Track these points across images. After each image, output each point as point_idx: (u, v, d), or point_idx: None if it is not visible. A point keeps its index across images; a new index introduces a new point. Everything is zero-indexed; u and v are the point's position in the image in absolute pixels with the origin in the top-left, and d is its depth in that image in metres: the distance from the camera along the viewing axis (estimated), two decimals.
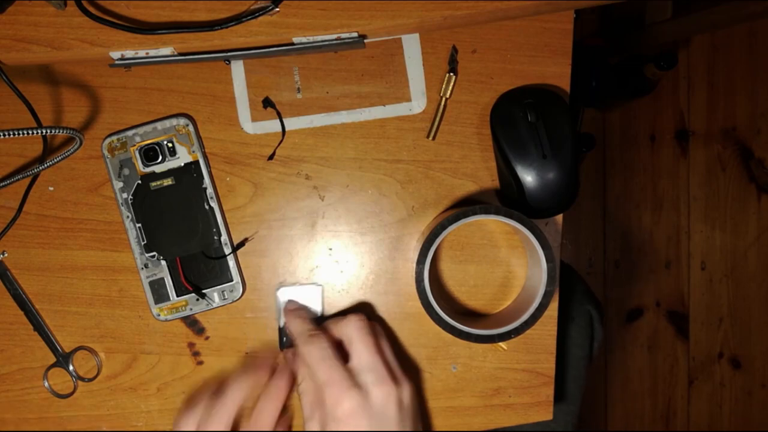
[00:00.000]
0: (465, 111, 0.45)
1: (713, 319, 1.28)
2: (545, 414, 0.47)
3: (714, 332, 1.28)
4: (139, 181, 0.43)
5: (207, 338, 0.46)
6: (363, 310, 0.46)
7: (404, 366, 0.41)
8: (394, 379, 0.38)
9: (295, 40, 0.40)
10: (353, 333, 0.40)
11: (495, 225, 0.46)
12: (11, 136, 0.34)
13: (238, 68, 0.44)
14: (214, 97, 0.44)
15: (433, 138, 0.45)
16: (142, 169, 0.43)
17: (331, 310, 0.46)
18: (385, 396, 0.37)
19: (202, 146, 0.44)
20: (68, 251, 0.45)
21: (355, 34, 0.40)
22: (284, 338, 0.45)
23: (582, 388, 0.60)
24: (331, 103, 0.45)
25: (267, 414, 0.39)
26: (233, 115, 0.44)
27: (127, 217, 0.44)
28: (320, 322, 0.44)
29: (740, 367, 1.28)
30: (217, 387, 0.40)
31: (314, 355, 0.39)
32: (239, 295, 0.44)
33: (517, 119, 0.43)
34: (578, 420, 0.61)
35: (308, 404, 0.39)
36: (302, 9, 0.39)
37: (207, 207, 0.44)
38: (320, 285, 0.45)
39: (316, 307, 0.45)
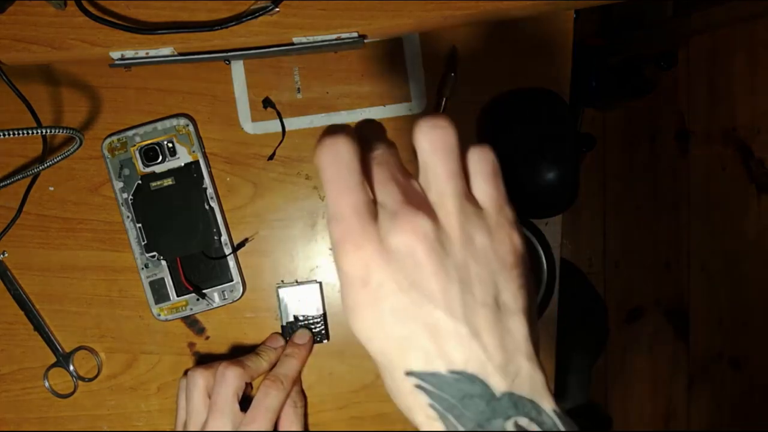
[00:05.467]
0: (465, 111, 0.45)
1: (713, 320, 1.28)
2: None
3: (714, 332, 1.28)
4: (140, 181, 0.43)
5: (207, 338, 0.46)
6: None
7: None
8: (423, 205, 0.24)
9: (295, 40, 0.40)
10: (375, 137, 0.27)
11: None
12: (11, 136, 0.34)
13: (238, 68, 0.44)
14: (214, 98, 0.44)
15: None
16: (143, 169, 0.43)
17: (331, 309, 0.46)
18: (405, 234, 0.23)
19: (202, 146, 0.44)
20: (68, 251, 0.45)
21: (355, 34, 0.40)
22: (287, 337, 0.45)
23: (588, 389, 0.60)
24: (331, 103, 0.45)
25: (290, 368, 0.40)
26: (233, 115, 0.44)
27: (128, 217, 0.44)
28: (322, 319, 0.45)
29: (740, 367, 1.28)
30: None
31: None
32: (239, 295, 0.44)
33: (517, 119, 0.43)
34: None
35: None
36: (302, 9, 0.39)
37: (207, 207, 0.44)
38: (318, 281, 0.45)
39: (317, 304, 0.45)
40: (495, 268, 0.24)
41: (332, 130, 0.25)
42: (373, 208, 0.24)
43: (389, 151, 0.26)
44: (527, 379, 0.23)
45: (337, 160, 0.24)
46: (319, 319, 0.45)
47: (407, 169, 0.26)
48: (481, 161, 0.25)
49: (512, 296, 0.24)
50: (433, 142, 0.24)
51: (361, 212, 0.24)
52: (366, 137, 0.26)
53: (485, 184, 0.25)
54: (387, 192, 0.24)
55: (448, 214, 0.24)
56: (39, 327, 0.45)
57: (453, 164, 0.24)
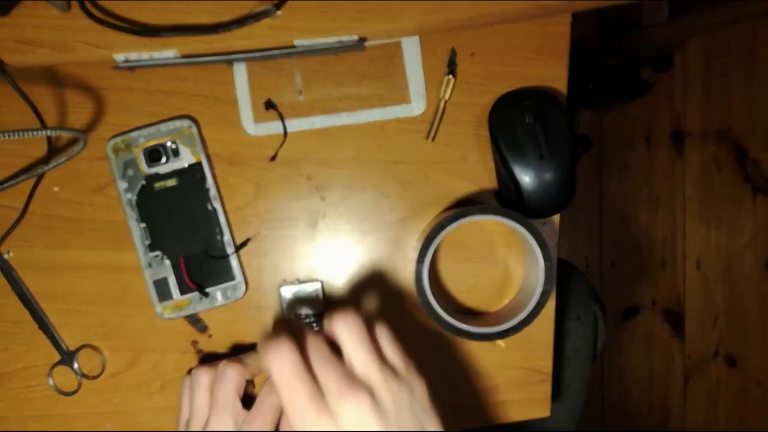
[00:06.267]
0: (464, 113, 0.46)
1: (709, 318, 1.29)
2: (543, 411, 0.47)
3: (709, 331, 1.29)
4: (143, 182, 0.44)
5: (210, 336, 0.46)
6: (363, 306, 0.46)
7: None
8: (356, 381, 0.32)
9: (297, 43, 0.41)
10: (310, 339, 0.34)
11: (493, 225, 0.46)
12: (16, 137, 0.34)
13: (240, 70, 0.45)
14: (217, 99, 0.45)
15: (433, 139, 0.46)
16: (146, 170, 0.44)
17: (332, 307, 0.46)
18: (353, 408, 0.31)
19: (205, 147, 0.45)
20: (73, 251, 0.45)
21: (355, 37, 0.41)
22: None
23: (587, 387, 0.61)
24: (332, 104, 0.45)
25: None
26: (236, 116, 0.45)
27: (132, 217, 0.44)
28: (320, 317, 0.45)
29: (735, 365, 1.29)
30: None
31: (275, 370, 0.32)
32: (242, 293, 0.45)
33: (515, 121, 0.43)
34: (580, 418, 0.62)
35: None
36: (304, 12, 0.40)
37: (210, 207, 0.44)
38: (320, 280, 0.46)
39: (318, 303, 0.46)
40: (418, 411, 0.33)
41: (273, 335, 0.32)
42: (319, 390, 0.31)
43: (318, 339, 0.33)
44: None
45: (284, 362, 0.31)
46: (320, 317, 0.46)
47: (333, 350, 0.33)
48: (383, 332, 0.35)
49: (435, 427, 0.34)
50: (348, 328, 0.33)
51: (314, 397, 0.31)
52: (298, 327, 0.34)
53: (389, 348, 0.35)
54: (327, 375, 0.32)
55: (376, 384, 0.32)
56: (43, 325, 0.45)
57: (365, 338, 0.33)
